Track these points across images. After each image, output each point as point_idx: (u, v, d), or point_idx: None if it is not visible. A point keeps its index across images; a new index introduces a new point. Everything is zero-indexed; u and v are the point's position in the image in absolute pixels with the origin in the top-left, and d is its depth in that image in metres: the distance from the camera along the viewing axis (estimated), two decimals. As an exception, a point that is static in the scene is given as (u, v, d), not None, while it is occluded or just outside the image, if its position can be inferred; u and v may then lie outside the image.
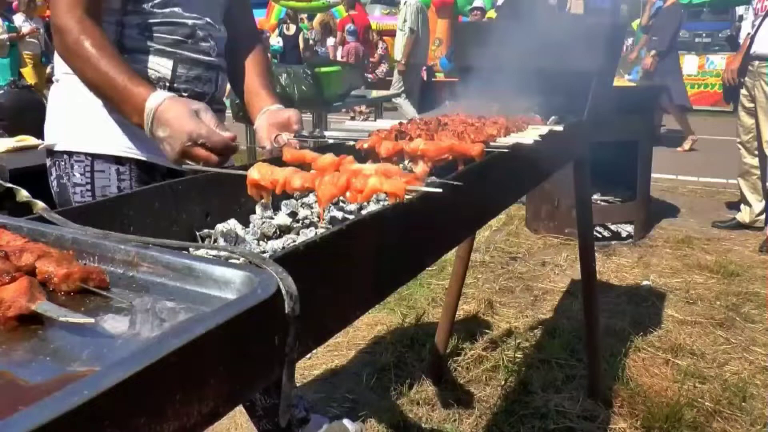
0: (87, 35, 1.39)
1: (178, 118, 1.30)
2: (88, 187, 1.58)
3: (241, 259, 0.67)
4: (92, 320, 0.56)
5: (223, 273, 0.62)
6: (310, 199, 1.39)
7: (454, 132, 1.57)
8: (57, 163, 1.61)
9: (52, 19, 1.45)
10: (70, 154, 1.59)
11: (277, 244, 1.15)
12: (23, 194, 1.05)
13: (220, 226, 1.19)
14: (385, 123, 1.71)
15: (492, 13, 11.04)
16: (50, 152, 1.63)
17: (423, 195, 1.03)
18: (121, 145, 1.58)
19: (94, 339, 0.57)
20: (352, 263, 0.87)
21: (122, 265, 0.71)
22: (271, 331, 0.65)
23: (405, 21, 8.88)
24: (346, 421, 2.31)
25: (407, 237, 1.03)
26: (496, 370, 2.94)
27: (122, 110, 1.41)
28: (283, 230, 1.22)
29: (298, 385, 2.18)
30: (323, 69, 4.82)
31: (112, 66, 1.38)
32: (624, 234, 4.96)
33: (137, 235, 0.85)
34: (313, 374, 2.89)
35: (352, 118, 9.12)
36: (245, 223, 1.26)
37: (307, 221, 1.26)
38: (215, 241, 1.17)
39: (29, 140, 3.10)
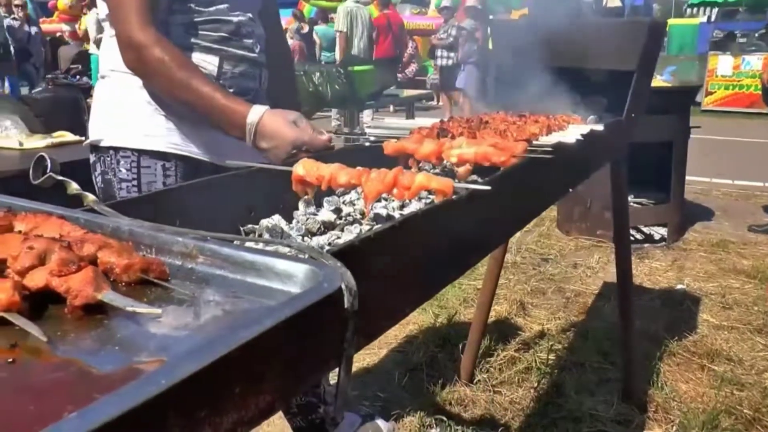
0: (170, 55, 1.44)
1: (280, 129, 1.39)
2: (134, 182, 1.59)
3: (302, 254, 0.67)
4: (159, 311, 0.57)
5: (286, 266, 0.62)
6: (352, 196, 1.39)
7: (496, 130, 1.56)
8: (102, 158, 1.62)
9: (121, 31, 1.46)
10: (116, 149, 1.60)
11: (321, 240, 1.15)
12: (74, 187, 1.07)
13: (264, 221, 1.19)
14: (425, 121, 1.70)
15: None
16: (95, 148, 1.64)
17: (472, 193, 1.02)
18: (168, 142, 1.59)
19: (160, 329, 0.57)
20: (403, 259, 0.87)
21: (180, 257, 0.71)
22: (329, 326, 0.65)
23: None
24: (379, 421, 2.30)
25: (456, 235, 1.02)
26: (529, 372, 2.92)
27: (219, 125, 1.47)
28: (327, 226, 1.22)
29: (331, 383, 2.18)
30: (356, 68, 4.82)
31: (203, 85, 1.44)
32: (657, 237, 4.90)
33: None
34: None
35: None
36: (288, 219, 1.26)
37: (350, 218, 1.26)
38: (260, 236, 1.17)
39: (67, 136, 3.15)
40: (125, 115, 1.60)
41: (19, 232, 0.70)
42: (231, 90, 1.59)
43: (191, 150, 1.62)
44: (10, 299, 0.56)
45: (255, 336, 0.50)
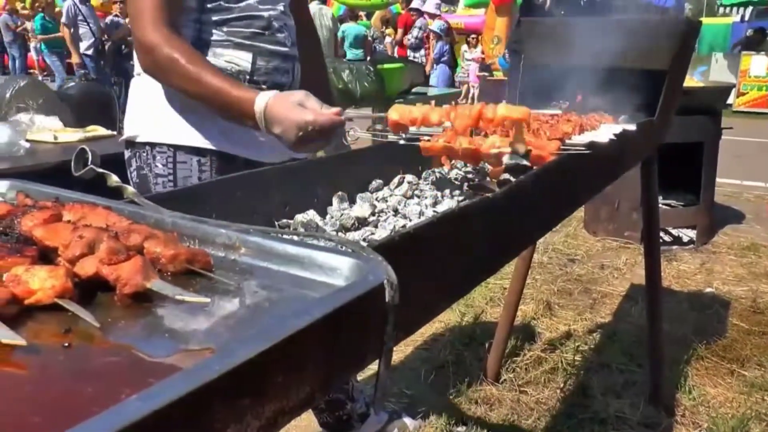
0: (179, 52, 1.43)
1: (285, 113, 1.35)
2: (170, 177, 1.61)
3: (344, 247, 0.68)
4: (208, 300, 0.58)
5: (330, 259, 0.63)
6: (385, 192, 1.40)
7: (529, 129, 1.56)
8: (138, 154, 1.64)
9: (136, 34, 1.47)
10: (152, 145, 1.61)
11: (355, 236, 1.16)
12: (114, 179, 1.08)
13: (299, 217, 1.21)
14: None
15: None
16: (130, 143, 1.66)
17: (506, 191, 1.02)
18: (202, 137, 1.60)
19: (207, 318, 0.59)
20: (441, 255, 0.87)
21: (223, 248, 0.72)
22: (371, 319, 0.65)
23: None
24: (406, 419, 2.31)
25: (491, 232, 1.02)
26: (555, 373, 2.90)
27: (234, 117, 1.46)
28: (361, 222, 1.23)
29: (359, 379, 2.20)
30: (386, 65, 4.81)
31: (214, 79, 1.42)
32: (685, 239, 4.83)
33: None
34: (372, 369, 2.89)
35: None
36: (322, 215, 1.27)
37: (383, 215, 1.26)
38: (295, 230, 1.18)
39: (99, 130, 3.21)
40: (160, 111, 1.61)
41: (68, 221, 0.72)
42: (265, 86, 1.59)
43: (225, 146, 1.62)
44: (63, 286, 0.57)
45: (304, 326, 0.51)
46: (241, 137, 1.61)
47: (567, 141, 1.50)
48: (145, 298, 0.62)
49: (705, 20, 13.81)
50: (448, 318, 3.40)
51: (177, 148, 1.61)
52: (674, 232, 4.86)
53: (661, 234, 4.76)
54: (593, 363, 3.00)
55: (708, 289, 3.98)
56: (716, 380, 2.91)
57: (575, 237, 4.93)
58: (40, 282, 0.57)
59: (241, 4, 1.60)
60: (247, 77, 1.60)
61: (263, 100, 1.38)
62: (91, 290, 0.63)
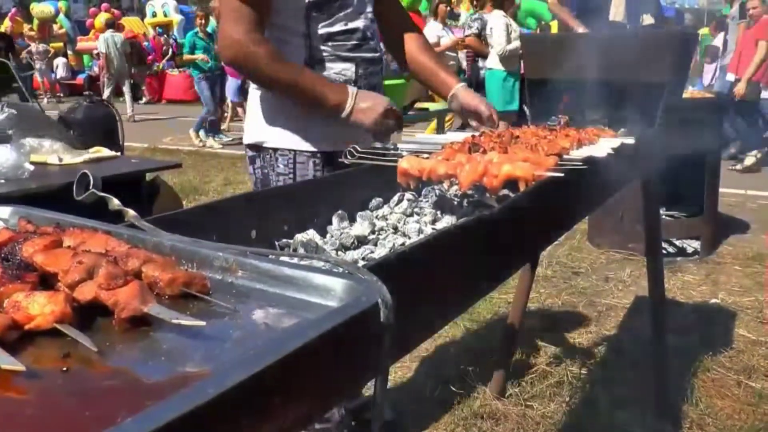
0: (264, 50, 1.72)
1: (373, 95, 1.78)
2: (291, 176, 1.89)
3: (339, 268, 0.69)
4: (203, 323, 0.59)
5: (324, 281, 0.64)
6: (385, 210, 1.41)
7: (526, 144, 1.57)
8: (262, 156, 1.92)
9: (222, 27, 1.75)
10: (275, 150, 1.89)
11: (355, 254, 1.17)
12: (115, 203, 1.10)
13: (299, 236, 1.22)
14: (457, 135, 1.72)
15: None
16: (255, 147, 1.94)
17: (504, 207, 1.03)
18: (315, 142, 1.86)
19: (204, 341, 0.59)
20: (439, 272, 0.88)
21: (220, 271, 0.73)
22: (366, 339, 0.66)
23: None
24: None
25: (489, 248, 1.03)
26: (561, 386, 2.89)
27: (317, 103, 1.76)
28: (361, 240, 1.24)
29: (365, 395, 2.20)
30: (387, 81, 4.80)
31: (304, 71, 1.77)
32: (690, 250, 4.82)
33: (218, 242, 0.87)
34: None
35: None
36: (322, 234, 1.28)
37: (383, 233, 1.27)
38: (295, 250, 1.19)
39: (103, 152, 3.23)
40: (283, 122, 1.88)
41: (68, 247, 0.73)
42: (363, 88, 1.84)
43: (329, 146, 1.85)
44: (63, 311, 0.58)
45: (298, 348, 0.52)
46: (340, 139, 1.80)
47: (565, 156, 1.51)
48: (143, 322, 0.63)
49: (706, 30, 13.85)
50: (453, 333, 3.40)
51: (297, 152, 1.88)
52: (678, 243, 4.85)
53: (665, 245, 4.75)
54: (599, 376, 2.99)
55: (713, 300, 3.96)
56: (723, 392, 2.89)
57: (579, 250, 4.92)
58: (39, 307, 0.58)
59: (340, 15, 1.81)
60: (352, 84, 1.84)
61: (353, 88, 1.76)
62: (90, 315, 0.65)
